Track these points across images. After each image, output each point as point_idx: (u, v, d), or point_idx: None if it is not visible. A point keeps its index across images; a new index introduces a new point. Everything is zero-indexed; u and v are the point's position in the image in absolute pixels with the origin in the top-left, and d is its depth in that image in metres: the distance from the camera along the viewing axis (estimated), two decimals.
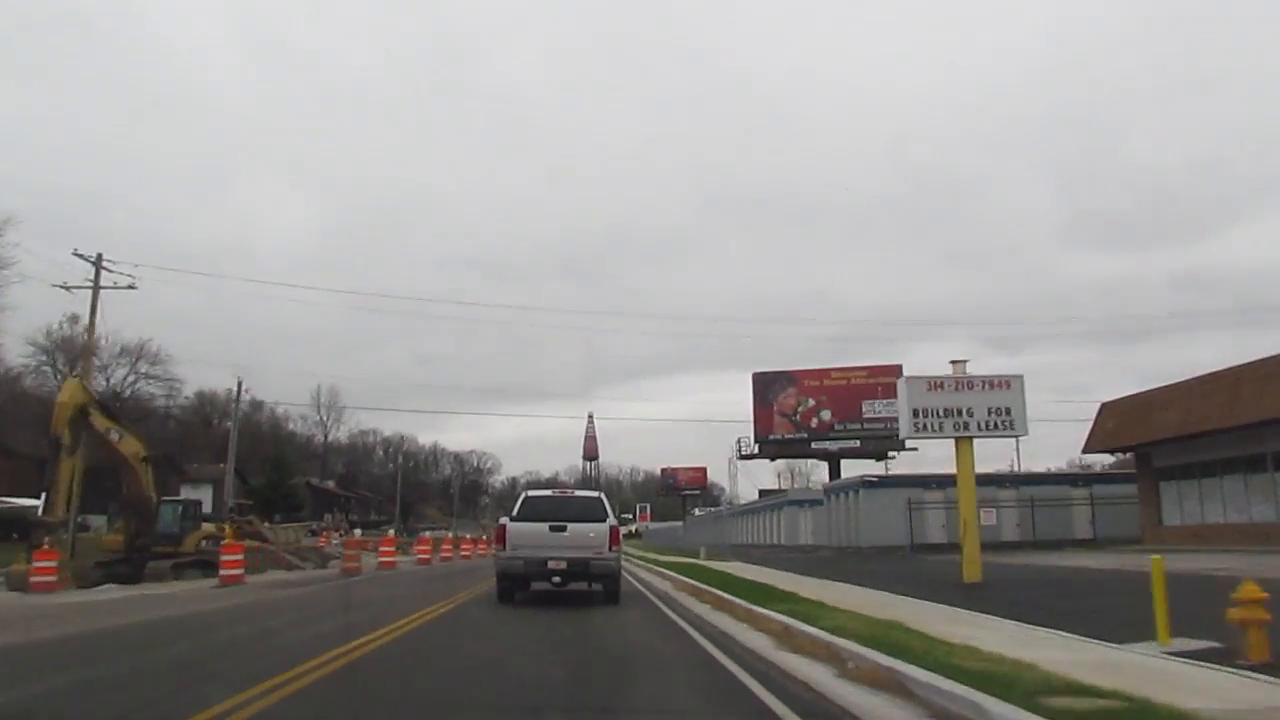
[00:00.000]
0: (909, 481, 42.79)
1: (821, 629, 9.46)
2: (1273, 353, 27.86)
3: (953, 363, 20.12)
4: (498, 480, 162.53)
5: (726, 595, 15.08)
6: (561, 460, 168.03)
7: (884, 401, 50.97)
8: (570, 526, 14.75)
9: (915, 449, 51.51)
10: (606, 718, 6.40)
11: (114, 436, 25.82)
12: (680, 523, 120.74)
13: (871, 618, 10.73)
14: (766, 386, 52.93)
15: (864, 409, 50.97)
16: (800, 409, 52.28)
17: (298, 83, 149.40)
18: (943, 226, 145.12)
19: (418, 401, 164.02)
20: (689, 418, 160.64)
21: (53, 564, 18.41)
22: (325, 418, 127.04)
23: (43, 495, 23.49)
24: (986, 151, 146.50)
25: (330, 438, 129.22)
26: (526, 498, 16.10)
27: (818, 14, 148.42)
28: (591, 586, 15.48)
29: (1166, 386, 33.91)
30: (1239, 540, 28.48)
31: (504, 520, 15.31)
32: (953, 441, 19.64)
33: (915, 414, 19.49)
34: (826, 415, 51.85)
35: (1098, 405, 37.14)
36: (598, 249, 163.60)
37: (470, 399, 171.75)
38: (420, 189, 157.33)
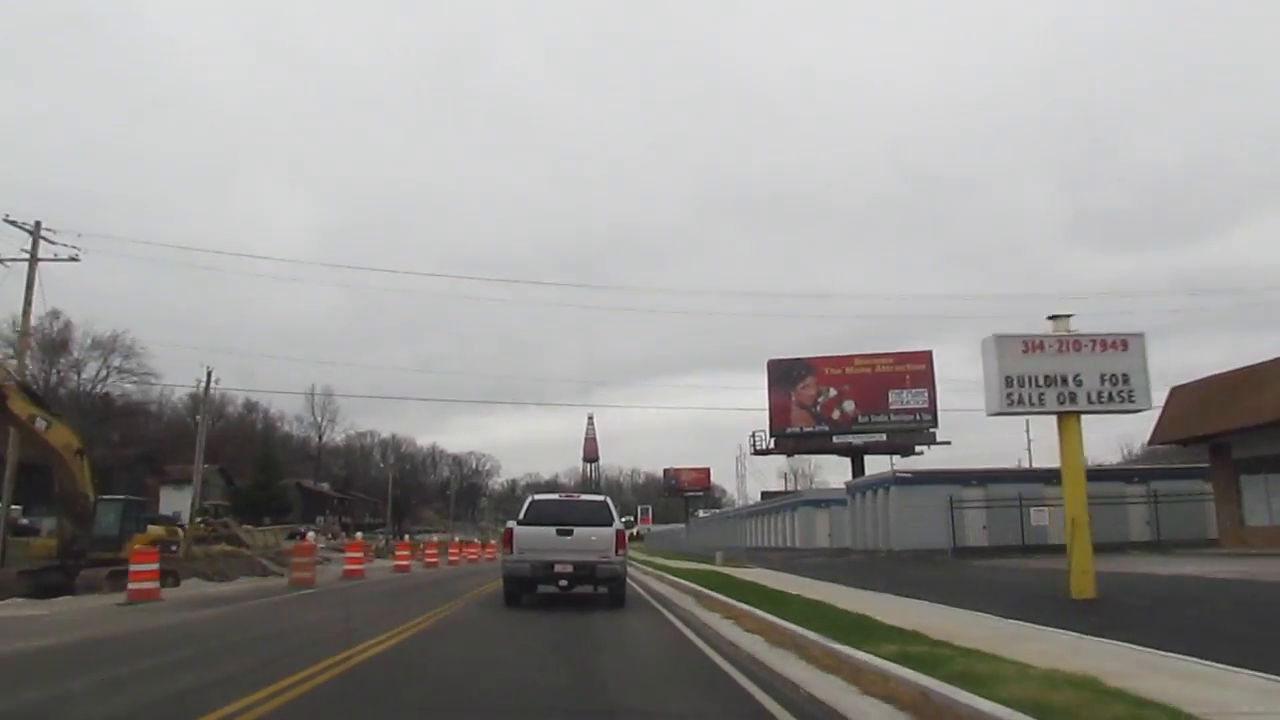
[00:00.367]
0: (945, 478, 38.52)
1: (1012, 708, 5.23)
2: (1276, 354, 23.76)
3: (1053, 318, 15.85)
4: (497, 482, 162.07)
5: (783, 623, 10.87)
6: (561, 462, 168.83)
7: (911, 391, 46.76)
8: (576, 530, 14.75)
9: (948, 443, 47.51)
10: None
11: (40, 425, 21.94)
12: (683, 525, 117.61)
13: (1056, 672, 6.52)
14: (783, 376, 48.63)
15: (890, 399, 46.75)
16: (820, 400, 48.00)
17: (298, 83, 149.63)
18: (944, 227, 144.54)
19: (417, 403, 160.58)
20: (691, 419, 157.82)
21: None
22: (320, 418, 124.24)
23: None
24: (988, 151, 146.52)
25: (326, 439, 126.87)
26: (532, 501, 16.10)
27: (819, 14, 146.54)
28: (597, 590, 15.43)
29: (1249, 367, 29.70)
30: None
31: (511, 524, 15.33)
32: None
33: (1007, 383, 15.21)
34: (849, 406, 47.58)
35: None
36: (599, 249, 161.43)
37: (470, 400, 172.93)
38: (421, 189, 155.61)
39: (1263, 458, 29.54)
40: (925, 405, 46.51)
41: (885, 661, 7.18)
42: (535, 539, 14.77)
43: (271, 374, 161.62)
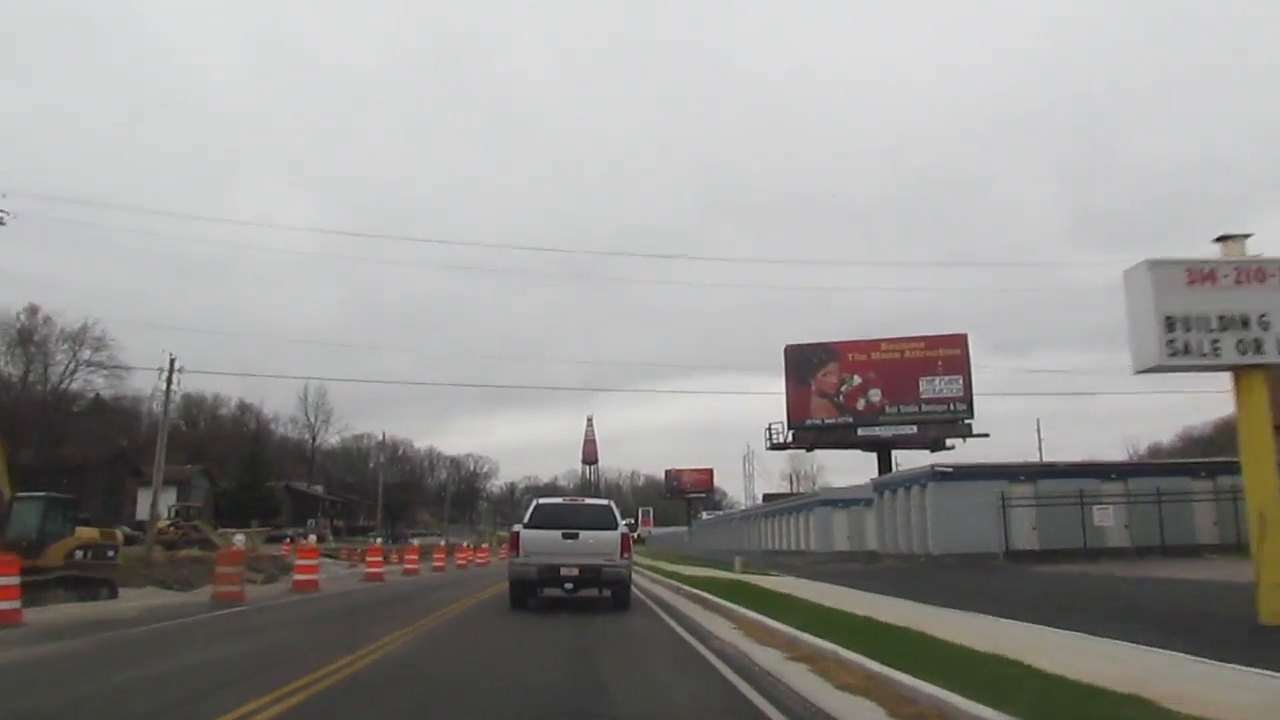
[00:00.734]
0: (991, 472, 34.31)
1: None
2: None
3: (1223, 239, 11.64)
4: (495, 485, 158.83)
5: (902, 677, 6.68)
6: (560, 465, 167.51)
7: (945, 378, 42.43)
8: (582, 534, 14.83)
9: (985, 435, 43.21)
10: None
11: None
12: (685, 527, 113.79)
13: None
14: (802, 362, 44.25)
15: (920, 387, 42.46)
16: (844, 388, 43.67)
17: (299, 83, 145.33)
18: (946, 227, 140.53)
19: (416, 406, 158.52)
20: (692, 421, 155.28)
21: None
22: (313, 419, 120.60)
23: None
24: (990, 152, 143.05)
25: (321, 441, 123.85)
26: (538, 505, 16.09)
27: (821, 15, 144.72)
28: (602, 593, 15.56)
29: None
30: None
31: (517, 528, 15.46)
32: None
33: (1168, 326, 11.02)
34: (875, 396, 43.24)
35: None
36: (600, 249, 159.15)
37: (470, 402, 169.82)
38: (422, 190, 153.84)
39: None
40: (960, 394, 42.23)
41: None
42: (541, 542, 14.80)
43: (272, 373, 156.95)
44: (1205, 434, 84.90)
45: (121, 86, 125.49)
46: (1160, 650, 8.82)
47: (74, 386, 67.24)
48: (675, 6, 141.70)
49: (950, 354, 42.67)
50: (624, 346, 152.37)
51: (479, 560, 48.63)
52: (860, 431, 43.55)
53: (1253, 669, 7.44)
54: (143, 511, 66.96)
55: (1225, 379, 11.42)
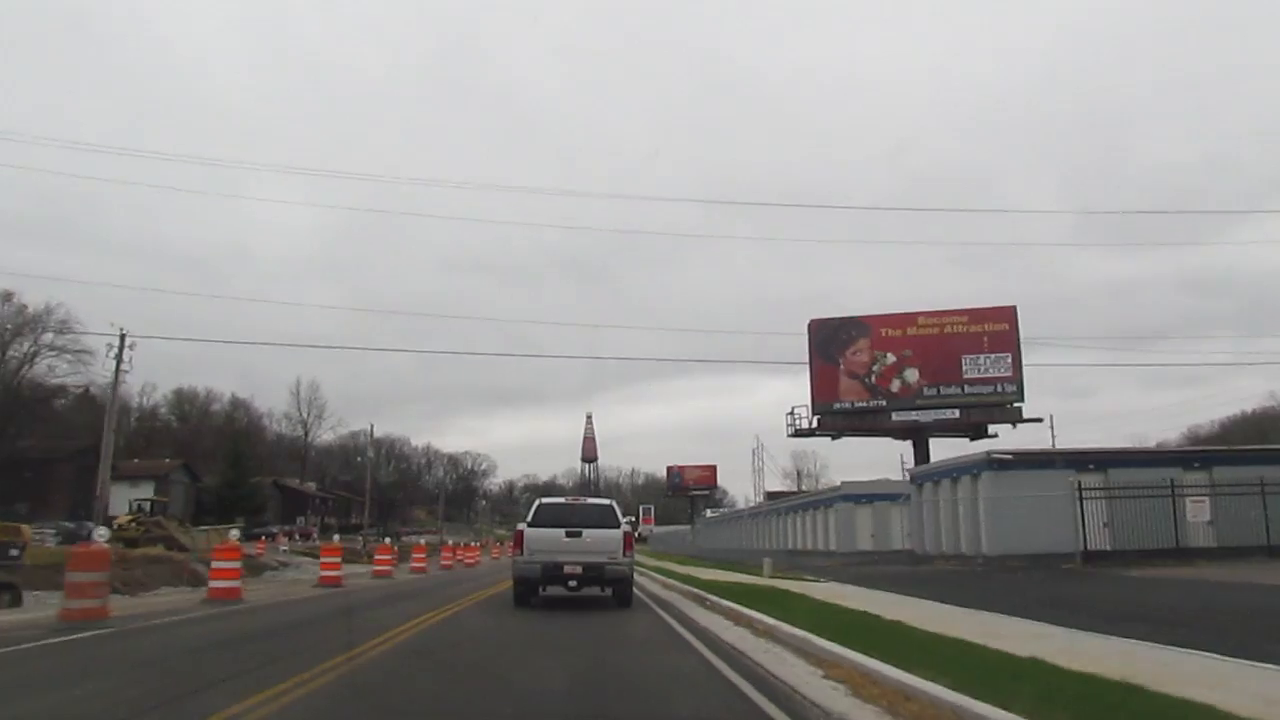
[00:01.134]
0: (1057, 460, 29.55)
1: None
2: None
3: None
4: (493, 484, 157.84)
5: None
6: (559, 463, 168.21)
7: (991, 356, 37.50)
8: (585, 532, 14.96)
9: (1039, 419, 38.42)
10: None
11: None
12: (687, 526, 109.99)
13: None
14: (829, 339, 39.25)
15: (963, 366, 37.59)
16: (876, 368, 38.77)
17: (300, 83, 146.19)
18: (949, 228, 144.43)
19: (416, 405, 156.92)
20: (692, 420, 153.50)
21: None
22: (306, 415, 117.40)
23: None
24: (993, 151, 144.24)
25: (315, 438, 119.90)
26: (541, 504, 16.22)
27: (824, 15, 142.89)
28: (604, 591, 15.53)
29: None
30: None
31: (521, 526, 15.55)
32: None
33: None
34: (912, 376, 38.32)
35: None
36: (602, 250, 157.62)
37: (469, 402, 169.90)
38: (423, 190, 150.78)
39: None
40: (1008, 373, 37.33)
41: None
42: (545, 541, 14.94)
43: (270, 374, 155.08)
44: (1213, 432, 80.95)
45: (122, 86, 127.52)
46: None
47: (36, 373, 62.26)
48: (677, 7, 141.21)
49: (997, 329, 37.80)
50: (626, 345, 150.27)
51: (467, 560, 43.89)
52: (895, 416, 38.69)
53: None
54: (117, 507, 62.47)
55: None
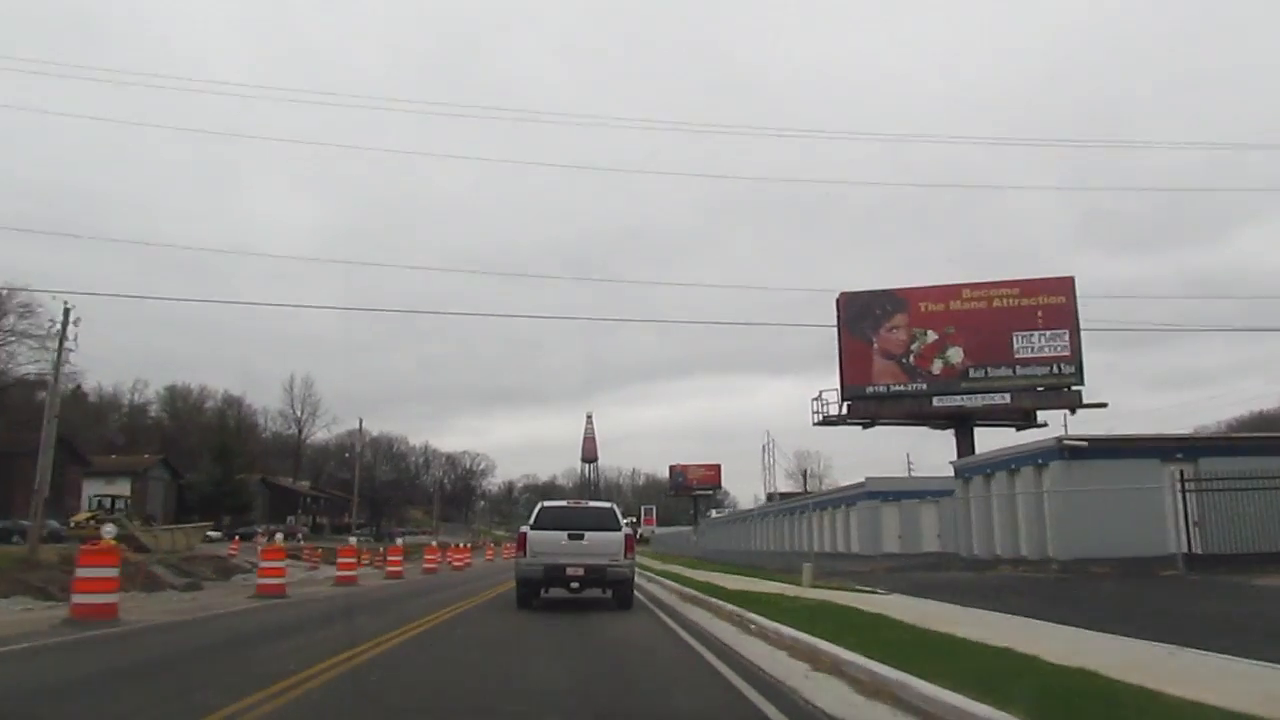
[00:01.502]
0: (1141, 448, 25.16)
1: None
2: None
3: None
4: (492, 483, 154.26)
5: None
6: (559, 464, 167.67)
7: (1046, 333, 32.86)
8: (587, 535, 15.14)
9: (1102, 405, 33.62)
10: None
11: None
12: (689, 527, 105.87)
13: None
14: (862, 314, 34.54)
15: (1015, 345, 33.05)
16: (915, 347, 34.19)
17: (301, 82, 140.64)
18: (950, 228, 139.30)
19: (416, 405, 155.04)
20: (694, 420, 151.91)
21: None
22: (300, 412, 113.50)
23: None
24: (995, 151, 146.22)
25: (308, 435, 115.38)
26: (543, 508, 16.45)
27: (826, 13, 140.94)
28: (605, 592, 15.61)
29: None
30: None
31: (524, 529, 15.72)
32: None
33: None
34: (955, 356, 33.75)
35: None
36: (604, 250, 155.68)
37: (469, 401, 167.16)
38: (424, 190, 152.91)
39: None
40: (1065, 352, 32.78)
41: None
42: (548, 543, 15.05)
43: (271, 375, 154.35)
44: (1219, 434, 77.36)
45: (123, 86, 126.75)
46: None
47: None
48: (678, 6, 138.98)
49: (1053, 302, 33.28)
50: (627, 345, 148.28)
51: (455, 563, 39.44)
52: (936, 401, 34.20)
53: None
54: (87, 504, 58.24)
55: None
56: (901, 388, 34.54)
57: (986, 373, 33.60)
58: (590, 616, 13.97)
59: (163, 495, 79.91)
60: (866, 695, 6.78)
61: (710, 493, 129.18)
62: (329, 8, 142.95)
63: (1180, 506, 21.95)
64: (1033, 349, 33.18)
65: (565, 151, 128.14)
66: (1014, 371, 33.33)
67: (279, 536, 65.93)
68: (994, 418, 34.97)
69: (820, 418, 36.51)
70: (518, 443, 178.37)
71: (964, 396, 33.80)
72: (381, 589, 22.98)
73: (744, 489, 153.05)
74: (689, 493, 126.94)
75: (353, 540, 28.77)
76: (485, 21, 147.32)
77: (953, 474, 33.58)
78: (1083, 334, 33.43)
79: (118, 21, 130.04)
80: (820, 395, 36.31)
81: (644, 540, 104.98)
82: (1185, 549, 21.58)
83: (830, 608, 13.15)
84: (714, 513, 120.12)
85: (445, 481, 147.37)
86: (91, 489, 66.12)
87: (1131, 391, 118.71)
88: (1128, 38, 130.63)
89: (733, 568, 36.68)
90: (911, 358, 34.35)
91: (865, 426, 36.68)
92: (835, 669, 7.87)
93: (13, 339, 55.99)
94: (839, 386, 35.56)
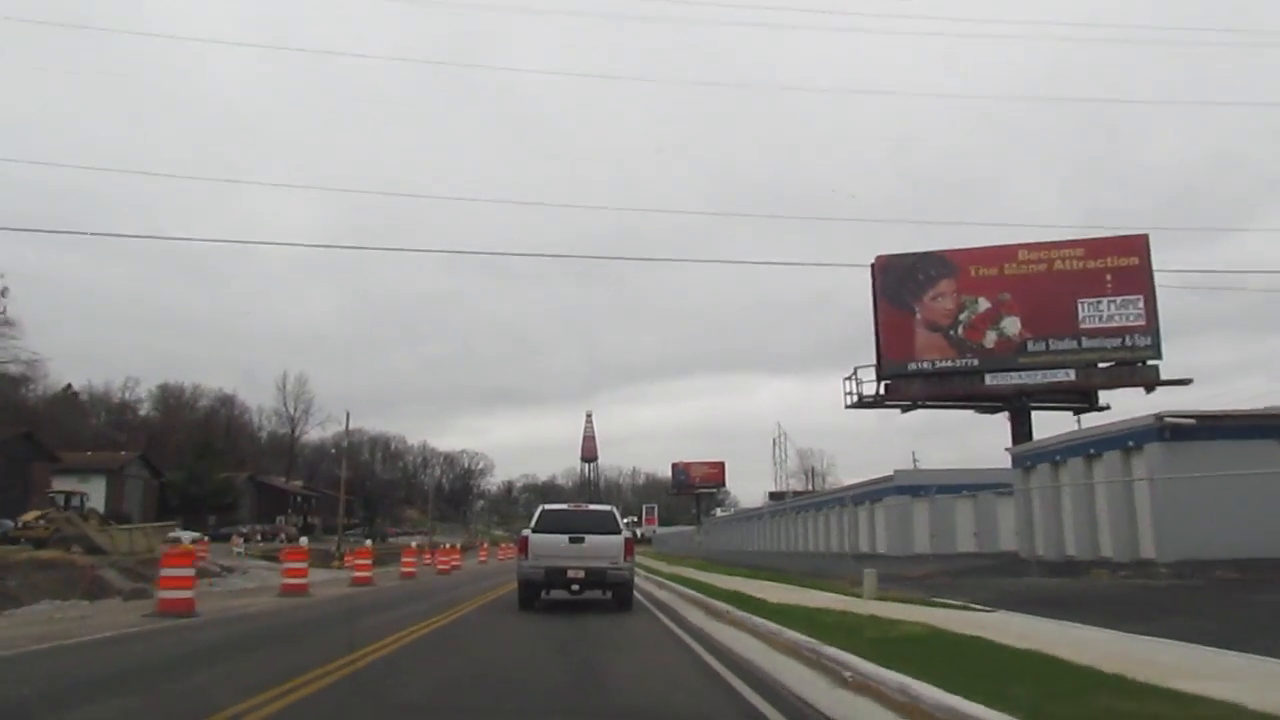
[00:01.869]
0: (1260, 426, 20.91)
1: None
2: None
3: None
4: (491, 483, 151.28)
5: None
6: (559, 463, 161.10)
7: (1117, 300, 28.15)
8: (588, 538, 15.25)
9: (1186, 381, 28.97)
10: None
11: None
12: (692, 526, 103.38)
13: None
14: (902, 280, 29.83)
15: (1080, 313, 28.53)
16: (964, 316, 29.63)
17: (302, 81, 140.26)
18: (952, 227, 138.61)
19: (416, 405, 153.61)
20: (694, 420, 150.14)
21: None
22: (293, 410, 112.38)
23: None
24: (998, 150, 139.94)
25: (301, 433, 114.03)
26: (544, 511, 16.64)
27: (828, 14, 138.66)
28: (605, 594, 15.72)
29: None
30: None
31: (526, 532, 15.81)
32: None
33: None
34: (1011, 327, 29.10)
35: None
36: (605, 249, 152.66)
37: (469, 401, 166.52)
38: (425, 189, 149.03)
39: None
40: (1140, 322, 28.30)
41: None
42: (549, 546, 15.18)
43: (270, 374, 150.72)
44: None
45: (124, 85, 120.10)
46: None
47: None
48: (679, 6, 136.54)
49: (1124, 264, 28.82)
50: (628, 345, 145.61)
51: (440, 566, 35.03)
52: (989, 379, 29.76)
53: None
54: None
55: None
56: (949, 363, 30.08)
57: (1048, 345, 29.17)
58: (604, 657, 9.68)
59: (141, 494, 75.94)
60: None
61: (714, 491, 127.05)
62: (329, 7, 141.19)
63: None
64: (1100, 318, 28.75)
65: (566, 150, 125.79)
66: (1079, 344, 28.90)
67: (259, 537, 61.43)
68: (1056, 397, 30.50)
69: (854, 400, 31.97)
70: (517, 442, 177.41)
71: (1023, 373, 29.35)
72: (338, 602, 18.61)
73: (746, 488, 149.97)
74: (692, 491, 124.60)
75: (304, 540, 24.31)
76: (486, 21, 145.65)
77: (1010, 463, 29.27)
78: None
79: (117, 18, 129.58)
80: (855, 373, 31.80)
81: (645, 540, 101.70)
82: None
83: (951, 639, 8.78)
84: (719, 511, 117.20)
85: (444, 481, 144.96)
86: (64, 486, 62.25)
87: (1132, 391, 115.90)
88: (1128, 36, 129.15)
89: (751, 571, 32.43)
90: (960, 329, 29.90)
91: (905, 410, 32.22)
92: None
93: None
94: (875, 362, 31.10)
